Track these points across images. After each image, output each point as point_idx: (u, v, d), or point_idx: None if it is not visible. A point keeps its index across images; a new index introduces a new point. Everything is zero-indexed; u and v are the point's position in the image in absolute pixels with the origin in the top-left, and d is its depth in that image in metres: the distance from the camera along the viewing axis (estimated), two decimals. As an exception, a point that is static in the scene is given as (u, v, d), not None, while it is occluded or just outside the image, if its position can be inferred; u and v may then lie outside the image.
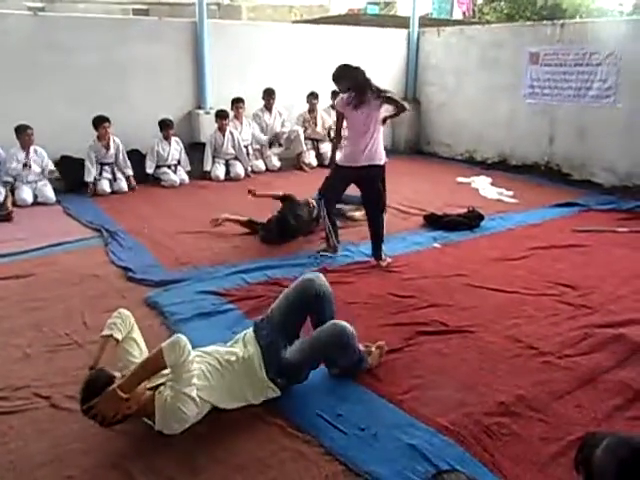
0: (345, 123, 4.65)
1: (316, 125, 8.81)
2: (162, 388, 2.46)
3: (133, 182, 7.21)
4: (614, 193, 7.05)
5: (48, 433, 2.53)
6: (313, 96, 8.60)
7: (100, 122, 6.86)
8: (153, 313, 3.73)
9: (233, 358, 2.67)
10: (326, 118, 8.84)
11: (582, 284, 4.20)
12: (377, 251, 4.64)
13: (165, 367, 2.39)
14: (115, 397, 2.31)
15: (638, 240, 5.31)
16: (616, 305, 3.86)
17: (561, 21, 8.12)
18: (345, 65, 4.57)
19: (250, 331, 2.84)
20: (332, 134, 8.71)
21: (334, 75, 4.58)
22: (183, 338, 2.42)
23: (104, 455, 2.40)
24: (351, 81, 4.48)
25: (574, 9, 20.75)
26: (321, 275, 3.06)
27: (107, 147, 7.03)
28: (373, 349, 3.06)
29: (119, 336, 2.69)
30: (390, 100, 4.56)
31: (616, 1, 20.09)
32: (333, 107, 4.89)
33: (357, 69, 4.51)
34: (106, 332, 2.68)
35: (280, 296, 2.98)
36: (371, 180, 4.64)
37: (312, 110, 8.71)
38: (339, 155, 4.72)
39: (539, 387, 2.88)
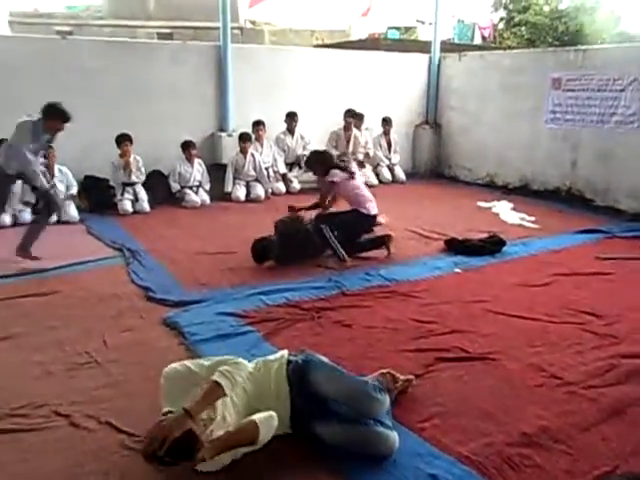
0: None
1: (348, 143, 8.85)
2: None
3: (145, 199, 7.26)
4: (638, 220, 6.95)
5: (67, 452, 2.52)
6: (349, 114, 8.68)
7: (121, 139, 6.99)
8: (172, 333, 3.74)
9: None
10: (359, 137, 8.89)
11: (607, 312, 4.12)
12: None
13: (254, 443, 2.30)
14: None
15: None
16: (643, 335, 3.78)
17: (584, 47, 8.12)
18: (316, 151, 5.82)
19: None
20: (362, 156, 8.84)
21: (311, 161, 5.63)
22: (274, 415, 2.37)
23: (122, 476, 2.39)
24: (327, 163, 5.47)
25: (596, 34, 20.78)
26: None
27: (128, 164, 7.11)
28: (400, 381, 3.00)
29: (229, 392, 2.39)
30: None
31: (639, 25, 20.10)
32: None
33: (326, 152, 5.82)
34: (223, 383, 2.34)
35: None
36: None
37: (347, 129, 8.76)
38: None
39: (563, 418, 2.81)
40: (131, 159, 7.14)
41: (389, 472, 2.41)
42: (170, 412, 2.30)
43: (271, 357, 2.70)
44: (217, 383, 2.33)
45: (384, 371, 3.01)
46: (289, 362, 2.62)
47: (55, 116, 4.91)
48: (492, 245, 5.56)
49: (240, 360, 2.54)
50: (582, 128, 7.75)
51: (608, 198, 7.57)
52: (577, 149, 7.88)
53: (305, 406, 2.52)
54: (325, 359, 2.68)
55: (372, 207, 5.45)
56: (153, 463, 2.22)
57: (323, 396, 2.54)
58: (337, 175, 5.37)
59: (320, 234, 5.24)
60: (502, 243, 5.60)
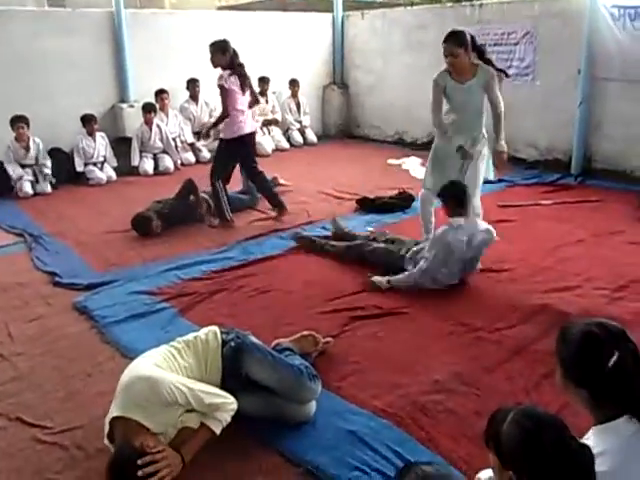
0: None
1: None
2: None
3: (53, 181, 6.90)
4: (537, 167, 7.32)
5: (-27, 454, 2.41)
6: (264, 81, 8.62)
7: (16, 122, 6.53)
8: (82, 318, 3.61)
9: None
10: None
11: (509, 258, 4.34)
12: None
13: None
14: None
15: (561, 212, 5.54)
16: (542, 276, 4.01)
17: (479, 1, 8.29)
18: (223, 39, 5.22)
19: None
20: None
21: (214, 46, 5.17)
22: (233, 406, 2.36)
23: (37, 471, 2.31)
24: (227, 56, 5.13)
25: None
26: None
27: (27, 148, 6.71)
28: (321, 343, 3.03)
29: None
30: None
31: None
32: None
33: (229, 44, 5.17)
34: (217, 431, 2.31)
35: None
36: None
37: (263, 94, 8.60)
38: None
39: (472, 362, 2.97)
40: (30, 143, 6.72)
41: (309, 434, 2.46)
42: (125, 418, 2.13)
43: (202, 336, 2.57)
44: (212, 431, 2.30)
45: (305, 333, 3.04)
46: (224, 343, 2.55)
47: None
48: (402, 201, 5.70)
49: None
50: (482, 81, 7.97)
51: (509, 148, 7.84)
52: (478, 102, 8.11)
53: (233, 384, 2.49)
54: (256, 340, 2.63)
55: (242, 127, 5.20)
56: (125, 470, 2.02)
57: (254, 380, 2.53)
58: (228, 81, 5.09)
59: (214, 193, 5.30)
60: (412, 199, 5.74)
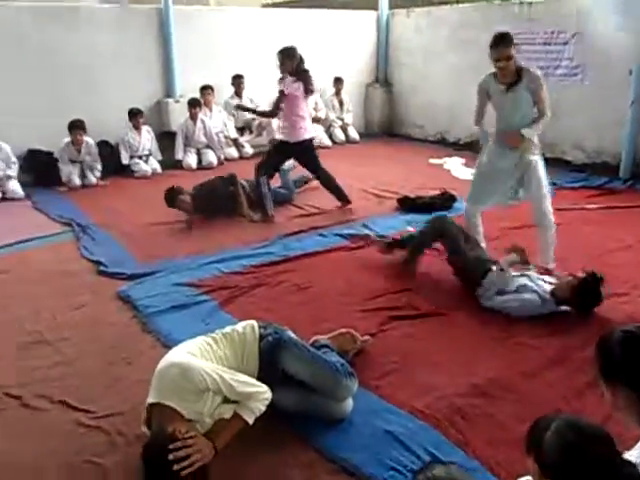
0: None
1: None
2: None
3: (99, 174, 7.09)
4: (584, 170, 7.14)
5: (21, 434, 2.49)
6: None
7: (74, 129, 6.68)
8: (126, 307, 3.70)
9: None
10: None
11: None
12: None
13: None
14: None
15: (608, 217, 5.39)
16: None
17: None
18: (291, 47, 5.28)
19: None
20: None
21: (283, 53, 5.24)
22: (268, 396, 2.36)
23: (79, 451, 2.38)
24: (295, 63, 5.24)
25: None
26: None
27: (79, 151, 6.88)
28: (359, 341, 3.04)
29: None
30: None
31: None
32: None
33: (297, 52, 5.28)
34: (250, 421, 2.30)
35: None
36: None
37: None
38: None
39: (512, 368, 2.92)
40: (83, 145, 6.86)
41: (346, 431, 2.47)
42: (161, 405, 2.17)
43: (240, 329, 2.60)
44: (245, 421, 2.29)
45: (344, 331, 3.05)
46: (261, 337, 2.57)
47: None
48: (443, 201, 5.64)
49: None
50: (529, 82, 7.82)
51: (556, 150, 7.71)
52: (525, 103, 7.96)
53: (270, 378, 2.49)
54: (294, 336, 2.65)
55: (302, 132, 5.32)
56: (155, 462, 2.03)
57: (290, 374, 2.55)
58: (290, 87, 5.19)
59: (258, 187, 5.41)
60: (453, 199, 5.68)
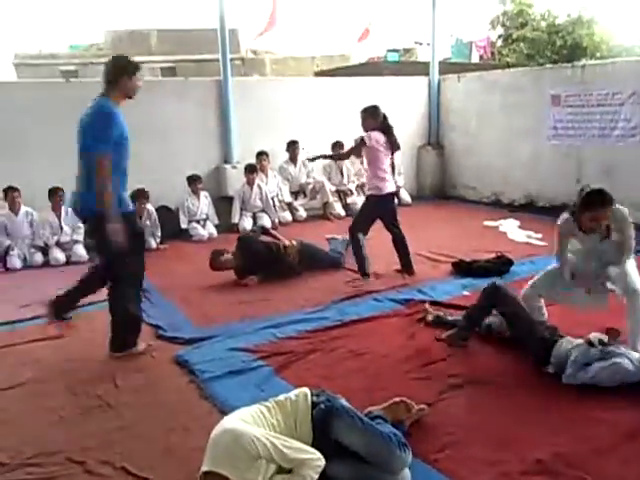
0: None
1: (342, 175, 8.92)
2: None
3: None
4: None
5: (81, 501, 2.53)
6: (338, 146, 8.67)
7: (139, 198, 6.90)
8: (183, 372, 3.75)
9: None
10: (350, 168, 8.95)
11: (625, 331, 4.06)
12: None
13: None
14: None
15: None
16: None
17: (582, 62, 8.18)
18: (374, 105, 5.45)
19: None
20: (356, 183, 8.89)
21: (366, 111, 5.43)
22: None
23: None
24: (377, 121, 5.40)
25: (594, 47, 20.87)
26: None
27: (140, 218, 7.15)
28: (414, 410, 2.97)
29: None
30: None
31: (638, 37, 20.26)
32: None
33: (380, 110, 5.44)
34: None
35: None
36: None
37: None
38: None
39: (578, 443, 2.78)
40: (145, 213, 7.13)
41: (405, 507, 2.39)
42: (213, 473, 2.17)
43: (293, 397, 2.59)
44: None
45: (397, 399, 2.99)
46: (314, 405, 2.55)
47: None
48: (500, 265, 5.54)
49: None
50: (584, 143, 7.77)
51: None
52: (581, 164, 7.89)
53: (324, 448, 2.44)
54: (346, 404, 2.61)
55: (387, 185, 5.42)
56: None
57: (344, 445, 2.50)
58: (374, 140, 5.30)
59: (355, 245, 5.49)
60: (510, 262, 5.58)
